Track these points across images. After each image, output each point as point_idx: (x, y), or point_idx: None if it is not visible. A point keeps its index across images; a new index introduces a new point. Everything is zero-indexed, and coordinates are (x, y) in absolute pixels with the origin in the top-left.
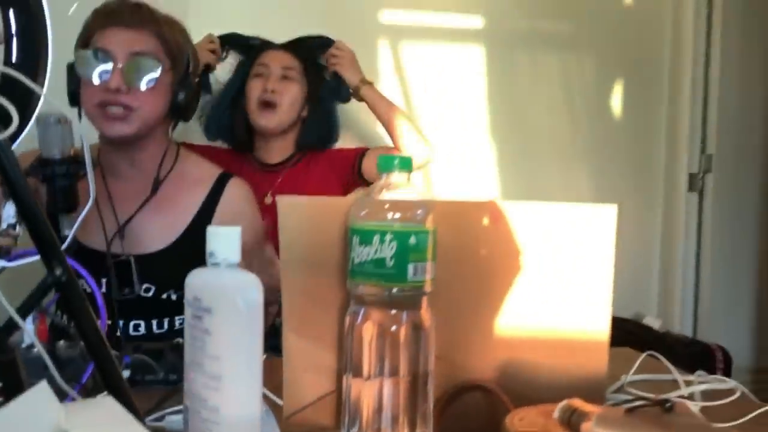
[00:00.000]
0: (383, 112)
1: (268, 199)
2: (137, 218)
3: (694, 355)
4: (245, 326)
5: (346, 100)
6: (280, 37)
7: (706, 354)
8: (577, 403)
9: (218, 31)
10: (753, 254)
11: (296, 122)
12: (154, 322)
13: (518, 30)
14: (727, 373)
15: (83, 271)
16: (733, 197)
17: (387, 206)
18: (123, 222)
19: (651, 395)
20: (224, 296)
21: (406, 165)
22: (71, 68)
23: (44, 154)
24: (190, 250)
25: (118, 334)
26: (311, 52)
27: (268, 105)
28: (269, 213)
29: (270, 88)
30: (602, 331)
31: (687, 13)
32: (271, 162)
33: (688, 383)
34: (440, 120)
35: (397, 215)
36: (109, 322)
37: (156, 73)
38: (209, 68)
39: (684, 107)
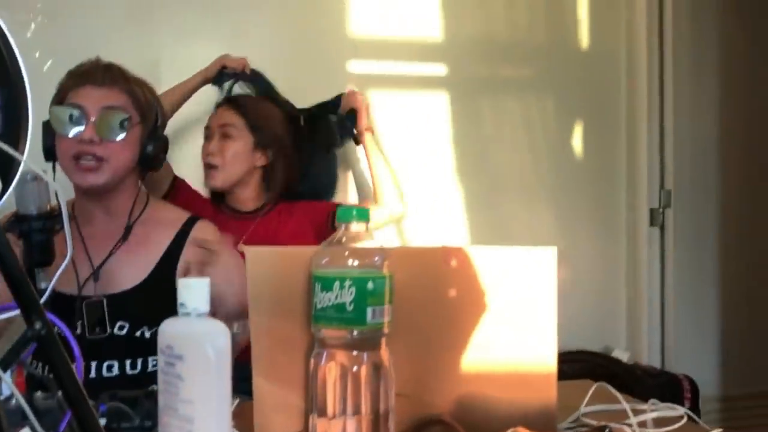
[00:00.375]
0: (375, 162)
1: (241, 247)
2: (110, 260)
3: (662, 385)
4: (215, 371)
5: (349, 140)
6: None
7: (674, 384)
8: (522, 430)
9: (189, 70)
10: (715, 284)
11: (251, 172)
12: (128, 363)
13: (480, 76)
14: (695, 402)
15: (60, 323)
16: (693, 230)
17: (346, 254)
18: (97, 264)
19: (602, 423)
20: (195, 344)
21: (364, 215)
22: (46, 125)
23: (21, 210)
24: (160, 286)
25: (92, 375)
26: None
27: (211, 166)
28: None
29: (209, 150)
30: (550, 364)
31: (640, 56)
32: (244, 210)
33: (641, 412)
34: (408, 166)
35: (356, 262)
36: (83, 364)
37: (126, 126)
38: None
39: (642, 145)
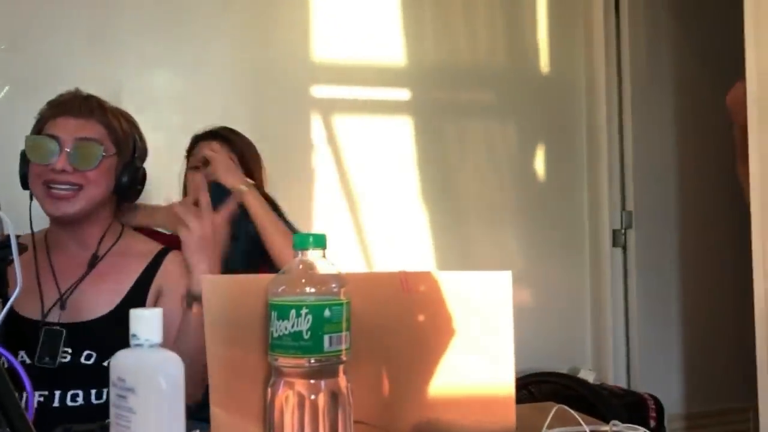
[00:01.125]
0: (262, 220)
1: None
2: (79, 289)
3: (628, 405)
4: (168, 404)
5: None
6: (211, 117)
7: (639, 404)
8: None
9: (149, 114)
10: (678, 303)
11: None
12: (93, 392)
13: (443, 100)
14: (660, 420)
15: (5, 353)
16: (655, 250)
17: (303, 281)
18: (63, 294)
19: None
20: (146, 375)
21: (320, 242)
22: (24, 154)
23: None
24: (127, 317)
25: (56, 404)
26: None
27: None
28: None
29: (198, 182)
30: (508, 386)
31: (599, 78)
32: None
33: None
34: (374, 188)
35: (313, 289)
36: (45, 393)
37: (99, 157)
38: None
39: (602, 167)
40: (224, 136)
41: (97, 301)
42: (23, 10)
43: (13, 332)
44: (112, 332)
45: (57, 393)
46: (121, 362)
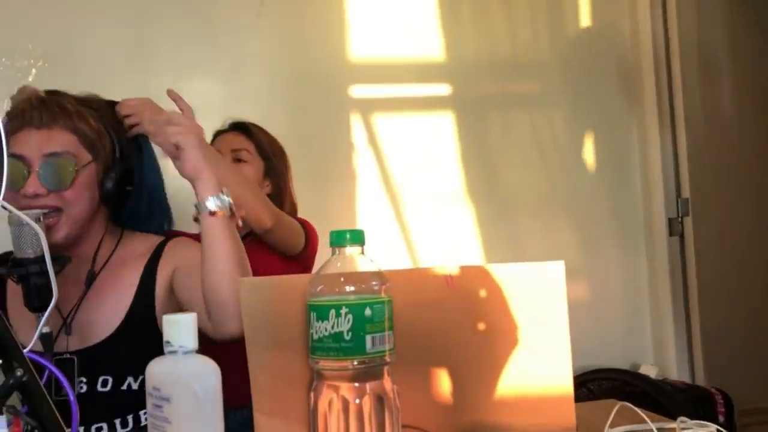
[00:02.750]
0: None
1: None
2: (82, 310)
3: (693, 400)
4: (204, 413)
5: None
6: (250, 116)
7: (706, 399)
8: None
9: (192, 106)
10: (740, 292)
11: None
12: (118, 422)
13: (486, 93)
14: (730, 416)
15: (59, 374)
16: (713, 237)
17: (342, 279)
18: (66, 318)
19: None
20: (182, 384)
21: (358, 238)
22: None
23: (17, 254)
24: (138, 329)
25: None
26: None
27: None
28: None
29: None
30: (566, 384)
31: (648, 62)
32: None
33: (670, 431)
34: (418, 187)
35: (352, 288)
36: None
37: (72, 173)
38: None
39: (655, 154)
40: (245, 128)
41: (102, 320)
42: (62, 26)
43: None
44: (124, 351)
45: (81, 430)
46: (155, 371)
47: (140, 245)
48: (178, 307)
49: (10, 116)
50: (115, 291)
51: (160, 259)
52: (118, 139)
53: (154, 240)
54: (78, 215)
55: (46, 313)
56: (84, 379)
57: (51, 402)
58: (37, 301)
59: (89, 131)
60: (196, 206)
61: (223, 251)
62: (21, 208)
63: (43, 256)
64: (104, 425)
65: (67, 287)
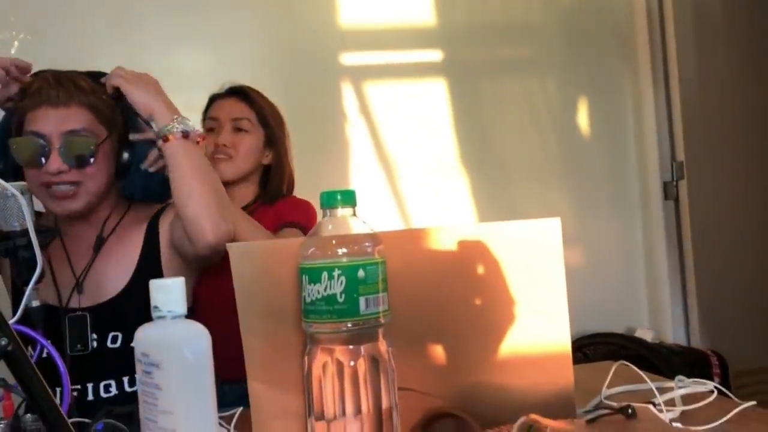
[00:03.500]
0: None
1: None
2: (92, 270)
3: (689, 363)
4: (195, 378)
5: None
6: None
7: (701, 361)
8: (535, 417)
9: (178, 94)
10: (735, 255)
11: (257, 169)
12: (125, 380)
13: (478, 59)
14: (725, 377)
15: (45, 342)
16: (708, 201)
17: (333, 242)
18: (78, 278)
19: (623, 404)
20: (171, 349)
21: (350, 199)
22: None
23: (3, 227)
24: (146, 285)
25: (90, 398)
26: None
27: (221, 159)
28: None
29: (220, 142)
30: (563, 343)
31: (640, 23)
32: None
33: (668, 390)
34: (411, 154)
35: (345, 250)
36: (78, 387)
37: (94, 148)
38: None
39: (649, 118)
40: (245, 94)
41: (111, 278)
42: None
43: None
44: (133, 307)
45: (90, 386)
46: (143, 336)
47: (144, 211)
48: (182, 262)
49: (26, 94)
50: (123, 252)
51: (161, 218)
52: (126, 113)
53: (153, 208)
54: (97, 188)
55: (30, 287)
56: (95, 336)
57: (37, 371)
58: (25, 274)
59: (104, 107)
60: (157, 140)
61: (185, 170)
62: (43, 185)
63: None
64: (112, 382)
65: (80, 250)
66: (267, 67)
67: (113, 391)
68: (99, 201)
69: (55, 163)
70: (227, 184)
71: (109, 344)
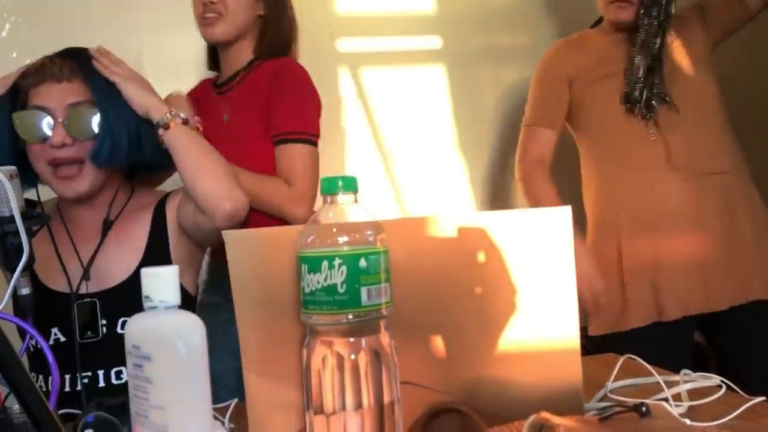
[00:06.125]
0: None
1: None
2: (100, 257)
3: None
4: (188, 372)
5: None
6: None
7: (698, 354)
8: (546, 416)
9: (171, 79)
10: None
11: (253, 23)
12: None
13: (477, 46)
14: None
15: (34, 332)
16: None
17: (334, 230)
18: (88, 264)
19: (633, 400)
20: (163, 341)
21: (351, 185)
22: (8, 133)
23: None
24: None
25: (102, 385)
26: None
27: (211, 18)
28: (225, 133)
29: (206, 0)
30: (572, 337)
31: None
32: (225, 77)
33: (673, 384)
34: (408, 142)
35: (346, 238)
36: (89, 374)
37: (97, 119)
38: None
39: None
40: None
41: (119, 263)
42: None
43: (45, 308)
44: (140, 292)
45: (101, 372)
46: (134, 328)
47: (149, 197)
48: (191, 246)
49: (29, 73)
50: (129, 237)
51: (167, 202)
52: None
53: (158, 194)
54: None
55: (16, 274)
56: (105, 322)
57: (21, 363)
58: (14, 260)
59: (105, 82)
60: (157, 131)
61: (191, 150)
62: (50, 163)
63: (20, 215)
64: (123, 368)
65: (85, 235)
66: None
67: (124, 378)
68: (103, 182)
69: (59, 134)
70: (226, 44)
71: (119, 330)
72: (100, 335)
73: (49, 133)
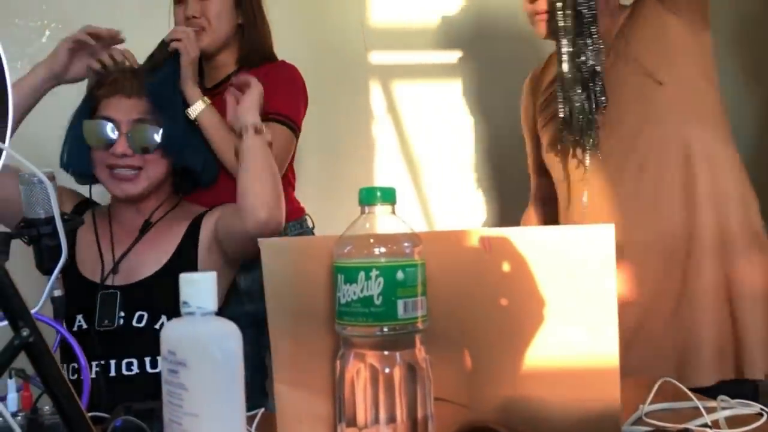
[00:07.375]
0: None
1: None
2: (132, 253)
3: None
4: (223, 379)
5: None
6: None
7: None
8: None
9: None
10: None
11: (234, 32)
12: (147, 360)
13: (507, 57)
14: (755, 397)
15: (57, 325)
16: None
17: (372, 241)
18: (119, 260)
19: (670, 425)
20: (199, 348)
21: (389, 196)
22: (76, 137)
23: (28, 214)
24: (179, 270)
25: (113, 374)
26: None
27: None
28: None
29: (188, 14)
30: (611, 357)
31: None
32: (208, 87)
33: (711, 410)
34: (437, 156)
35: (383, 249)
36: (102, 362)
37: (158, 137)
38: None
39: None
40: None
41: (146, 262)
42: None
43: (76, 295)
44: (162, 291)
45: (113, 362)
46: (171, 333)
47: (191, 211)
48: (218, 263)
49: (102, 84)
50: (163, 241)
51: (205, 216)
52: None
53: (201, 209)
54: (155, 175)
55: (54, 275)
56: (123, 314)
57: (58, 364)
58: (48, 262)
59: (168, 100)
60: (240, 130)
61: (256, 160)
62: (108, 166)
63: (54, 217)
64: (134, 361)
65: (125, 233)
66: (295, 64)
67: (135, 369)
68: (155, 189)
69: (122, 146)
70: (209, 56)
71: (134, 323)
72: (116, 325)
73: (112, 143)
